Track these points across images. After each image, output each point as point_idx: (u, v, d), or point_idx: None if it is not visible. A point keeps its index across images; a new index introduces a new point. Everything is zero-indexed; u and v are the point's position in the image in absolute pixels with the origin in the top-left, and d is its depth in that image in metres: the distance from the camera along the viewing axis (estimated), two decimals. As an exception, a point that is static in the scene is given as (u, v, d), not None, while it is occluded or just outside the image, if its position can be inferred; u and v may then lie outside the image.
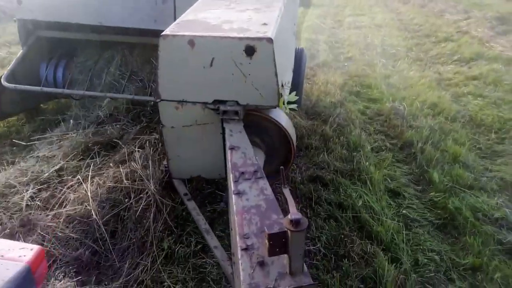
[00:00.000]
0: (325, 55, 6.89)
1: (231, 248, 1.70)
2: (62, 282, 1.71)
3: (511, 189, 3.21)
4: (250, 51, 1.88)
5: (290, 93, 2.69)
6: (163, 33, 1.96)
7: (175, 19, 3.16)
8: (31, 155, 2.86)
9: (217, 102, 2.01)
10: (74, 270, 1.89)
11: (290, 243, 1.02)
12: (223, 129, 1.99)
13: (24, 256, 1.12)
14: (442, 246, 2.65)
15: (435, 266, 2.48)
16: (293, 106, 2.48)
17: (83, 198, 2.25)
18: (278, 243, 1.03)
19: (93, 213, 2.15)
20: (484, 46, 7.09)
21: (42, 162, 2.65)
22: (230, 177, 1.53)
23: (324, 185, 3.16)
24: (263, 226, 1.23)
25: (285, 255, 1.06)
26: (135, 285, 2.07)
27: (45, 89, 3.57)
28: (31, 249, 1.15)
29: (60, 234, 2.02)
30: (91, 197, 2.23)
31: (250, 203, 1.35)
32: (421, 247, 2.61)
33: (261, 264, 1.11)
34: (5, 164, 2.92)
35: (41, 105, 4.12)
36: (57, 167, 2.54)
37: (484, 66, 6.01)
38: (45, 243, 1.97)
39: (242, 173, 1.51)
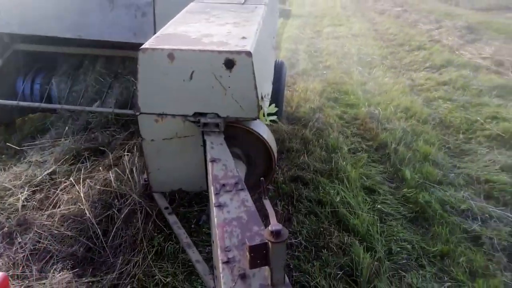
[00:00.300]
0: (304, 64, 7.16)
1: (213, 261, 1.71)
2: (60, 274, 1.83)
3: (476, 184, 3.47)
4: (229, 64, 1.90)
5: (270, 105, 2.74)
6: (142, 46, 1.96)
7: (155, 32, 3.13)
8: (23, 161, 2.95)
9: (197, 114, 2.02)
10: (71, 265, 2.01)
11: (271, 254, 1.02)
12: (204, 141, 1.99)
13: None
14: (413, 237, 2.86)
15: (407, 254, 2.69)
16: (273, 117, 2.52)
17: (76, 198, 2.37)
18: (259, 255, 1.03)
19: (86, 212, 2.27)
20: (454, 54, 7.51)
21: (35, 166, 2.75)
22: (211, 190, 1.53)
23: (304, 184, 3.35)
24: (244, 238, 1.23)
25: (266, 267, 1.06)
26: (128, 278, 2.20)
27: (22, 103, 3.55)
28: None
29: (55, 232, 2.13)
30: (84, 198, 2.35)
31: (231, 215, 1.35)
32: (394, 238, 2.82)
33: (243, 276, 1.11)
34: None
35: (17, 119, 4.04)
36: (49, 171, 2.65)
37: (454, 72, 6.37)
38: (41, 240, 2.08)
39: (223, 185, 1.52)
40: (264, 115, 2.31)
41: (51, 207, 2.31)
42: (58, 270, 1.87)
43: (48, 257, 2.02)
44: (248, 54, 1.88)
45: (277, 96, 3.79)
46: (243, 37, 2.10)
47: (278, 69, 3.97)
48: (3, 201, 2.24)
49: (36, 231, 2.10)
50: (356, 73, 6.56)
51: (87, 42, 3.48)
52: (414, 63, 7.15)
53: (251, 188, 1.55)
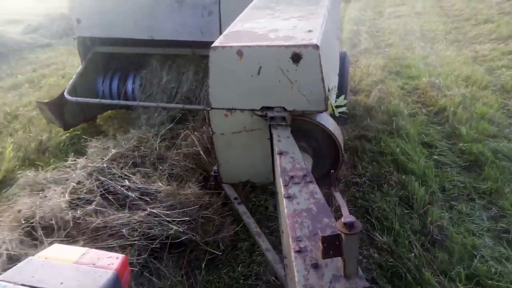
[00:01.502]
0: (366, 43, 7.53)
1: (283, 250, 1.76)
2: (191, 188, 2.63)
3: (531, 138, 3.76)
4: (296, 58, 1.92)
5: (337, 97, 2.86)
6: (213, 45, 2.02)
7: (220, 30, 3.38)
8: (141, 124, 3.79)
9: (264, 108, 2.07)
10: (196, 183, 2.81)
11: (344, 246, 1.03)
12: (271, 134, 2.01)
13: (112, 264, 1.20)
14: (466, 179, 3.30)
15: (459, 190, 3.15)
16: (343, 109, 2.56)
17: (192, 144, 3.18)
18: (332, 246, 1.04)
19: (200, 152, 3.07)
20: (523, 24, 7.38)
21: (148, 127, 3.59)
22: (280, 181, 1.56)
23: (367, 140, 3.90)
24: (315, 229, 1.25)
25: (339, 258, 1.07)
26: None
27: (103, 101, 3.90)
28: (117, 258, 1.24)
29: (182, 164, 2.96)
30: (197, 142, 3.15)
31: (301, 207, 1.37)
32: (448, 179, 3.28)
33: (315, 266, 1.12)
34: (123, 132, 3.94)
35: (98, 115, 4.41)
36: (168, 127, 3.50)
37: (521, 42, 6.37)
38: (174, 169, 2.92)
39: (292, 177, 1.54)
40: (332, 108, 2.36)
41: (176, 149, 3.15)
42: (189, 186, 2.68)
43: (180, 179, 2.85)
44: (315, 47, 1.90)
45: (341, 87, 3.76)
46: (309, 30, 2.12)
47: (342, 60, 3.98)
48: (144, 145, 3.12)
49: (170, 162, 2.94)
50: (418, 49, 6.80)
51: (159, 42, 3.70)
52: (479, 36, 7.18)
53: (318, 180, 1.58)
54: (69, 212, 2.17)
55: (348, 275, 1.06)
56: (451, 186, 3.19)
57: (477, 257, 2.44)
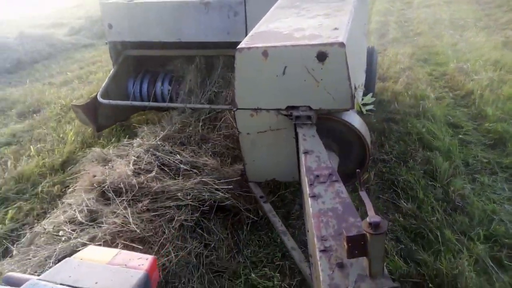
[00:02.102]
0: (394, 32, 7.64)
1: (308, 249, 1.75)
2: (232, 166, 2.99)
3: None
4: (322, 56, 1.90)
5: (365, 95, 2.76)
6: (239, 46, 2.03)
7: (246, 30, 3.40)
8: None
9: (290, 108, 2.07)
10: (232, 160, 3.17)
11: (370, 246, 1.02)
12: (296, 133, 2.01)
13: (142, 265, 1.25)
14: (490, 155, 3.47)
15: (482, 165, 3.33)
16: (370, 107, 2.53)
17: (231, 126, 3.54)
18: (357, 245, 1.03)
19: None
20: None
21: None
22: (305, 181, 1.56)
23: (395, 122, 4.12)
24: (341, 229, 1.24)
25: (364, 258, 1.06)
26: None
27: (134, 103, 4.01)
28: (147, 259, 1.29)
29: (223, 144, 3.33)
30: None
31: (327, 206, 1.36)
32: (472, 155, 3.47)
33: (340, 265, 1.12)
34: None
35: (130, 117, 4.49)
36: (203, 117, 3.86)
37: (554, 26, 6.32)
38: (216, 148, 3.28)
39: (317, 176, 1.53)
40: (359, 106, 2.32)
41: (216, 131, 3.52)
42: (230, 162, 3.05)
43: (222, 156, 3.22)
44: (341, 45, 1.88)
45: (368, 84, 3.77)
46: (335, 28, 2.10)
47: (369, 56, 3.91)
48: (188, 130, 3.51)
49: (212, 142, 3.30)
50: (447, 36, 6.87)
51: (186, 44, 3.78)
52: (511, 22, 7.14)
53: (345, 178, 1.57)
54: (134, 179, 2.57)
55: (373, 274, 1.05)
56: (474, 162, 3.38)
57: (496, 220, 2.65)
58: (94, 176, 2.57)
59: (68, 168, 3.63)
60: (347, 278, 1.08)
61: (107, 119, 4.17)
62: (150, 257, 1.30)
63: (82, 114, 4.01)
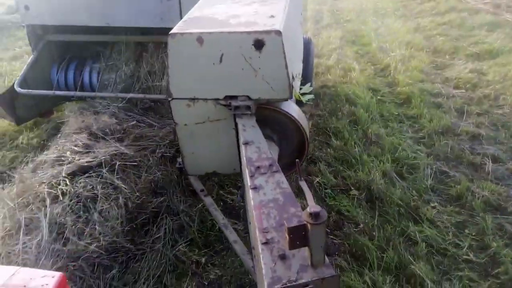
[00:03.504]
0: (327, 19, 8.60)
1: (250, 242, 1.76)
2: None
3: (449, 81, 4.95)
4: (259, 44, 1.86)
5: (303, 84, 2.78)
6: (171, 31, 1.94)
7: (181, 16, 3.16)
8: None
9: (228, 98, 2.01)
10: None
11: (311, 236, 1.02)
12: (236, 124, 1.97)
13: (47, 284, 1.06)
14: (398, 110, 4.42)
15: (393, 116, 4.27)
16: (310, 97, 2.51)
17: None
18: (298, 236, 1.03)
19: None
20: (460, 2, 8.67)
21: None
22: (246, 172, 1.54)
23: (327, 88, 4.97)
24: (282, 220, 1.23)
25: (306, 248, 1.06)
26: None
27: (58, 92, 3.63)
28: (53, 276, 1.10)
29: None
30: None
31: (268, 197, 1.35)
32: (386, 110, 4.39)
33: (282, 257, 1.12)
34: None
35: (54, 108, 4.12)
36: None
37: (454, 15, 7.63)
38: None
39: (258, 167, 1.52)
40: (299, 96, 2.31)
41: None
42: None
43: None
44: (278, 33, 1.85)
45: (306, 74, 3.69)
46: (271, 16, 2.06)
47: (306, 46, 3.84)
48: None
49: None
50: (371, 22, 7.94)
51: (116, 29, 3.52)
52: (422, 12, 8.41)
53: (284, 168, 1.52)
54: (117, 126, 3.06)
55: (315, 264, 1.06)
56: (387, 114, 4.31)
57: (400, 149, 3.56)
58: (83, 121, 3.02)
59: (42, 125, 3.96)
60: (289, 269, 1.08)
61: (28, 110, 3.82)
62: (57, 274, 1.10)
63: None
